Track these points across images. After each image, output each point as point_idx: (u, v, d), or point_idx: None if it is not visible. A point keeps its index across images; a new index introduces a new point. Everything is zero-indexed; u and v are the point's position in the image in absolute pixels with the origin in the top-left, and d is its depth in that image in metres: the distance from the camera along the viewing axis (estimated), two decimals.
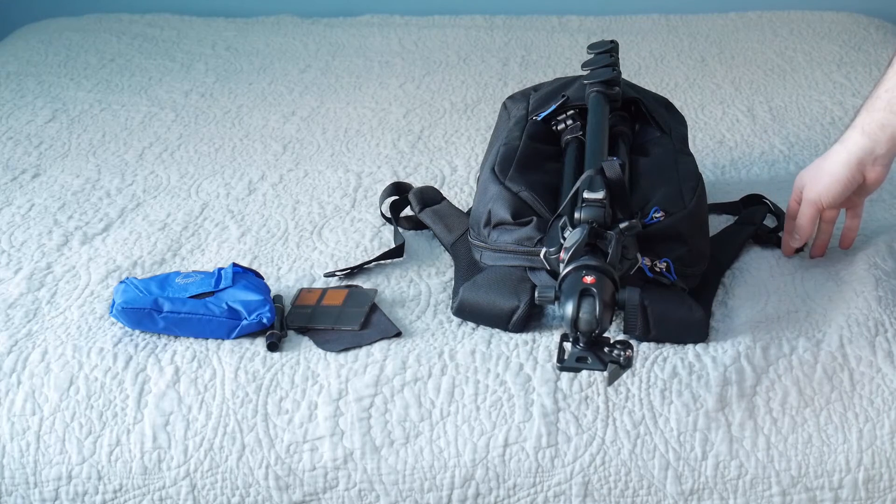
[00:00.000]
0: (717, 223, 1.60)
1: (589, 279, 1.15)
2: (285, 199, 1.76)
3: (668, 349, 1.31)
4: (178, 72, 2.47)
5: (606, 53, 1.64)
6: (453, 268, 1.50)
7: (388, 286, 1.47)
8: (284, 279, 1.50)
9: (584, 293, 1.14)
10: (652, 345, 1.32)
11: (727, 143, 1.98)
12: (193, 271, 1.46)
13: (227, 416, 1.28)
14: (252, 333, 1.36)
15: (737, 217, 1.62)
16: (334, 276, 1.49)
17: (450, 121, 2.11)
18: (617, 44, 1.68)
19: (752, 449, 1.24)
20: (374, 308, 1.41)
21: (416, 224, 1.62)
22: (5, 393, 1.30)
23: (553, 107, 1.58)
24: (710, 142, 1.98)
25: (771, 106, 2.16)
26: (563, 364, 1.15)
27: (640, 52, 2.54)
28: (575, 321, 1.13)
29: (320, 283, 1.48)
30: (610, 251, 1.21)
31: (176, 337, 1.36)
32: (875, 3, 2.88)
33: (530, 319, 1.35)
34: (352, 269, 1.50)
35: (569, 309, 1.13)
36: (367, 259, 1.53)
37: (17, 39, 2.76)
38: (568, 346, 1.16)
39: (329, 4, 2.97)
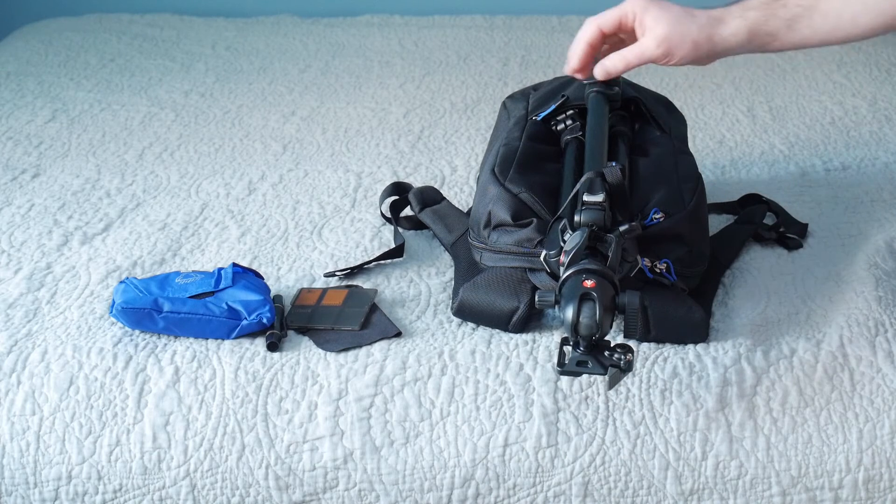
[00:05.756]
0: (717, 223, 1.60)
1: (589, 283, 1.15)
2: (285, 199, 1.76)
3: (669, 349, 1.31)
4: (178, 72, 2.47)
5: None
6: (453, 268, 1.50)
7: (388, 286, 1.47)
8: (284, 279, 1.50)
9: (585, 297, 1.14)
10: (652, 345, 1.32)
11: (727, 143, 1.97)
12: (193, 271, 1.46)
13: (227, 416, 1.27)
14: (252, 333, 1.36)
15: (736, 217, 1.62)
16: (334, 276, 1.49)
17: (450, 121, 2.11)
18: None
19: (752, 449, 1.24)
20: (374, 308, 1.41)
21: (416, 224, 1.61)
22: (5, 393, 1.30)
23: (552, 107, 1.58)
24: (710, 142, 1.98)
25: (771, 106, 2.16)
26: (564, 368, 1.15)
27: None
28: (575, 325, 1.13)
29: (320, 283, 1.48)
30: (610, 254, 1.21)
31: (176, 337, 1.36)
32: None
33: (530, 320, 1.35)
34: (352, 269, 1.50)
35: (569, 313, 1.13)
36: (367, 259, 1.53)
37: (17, 39, 2.75)
38: (568, 349, 1.16)
39: (329, 4, 2.97)
